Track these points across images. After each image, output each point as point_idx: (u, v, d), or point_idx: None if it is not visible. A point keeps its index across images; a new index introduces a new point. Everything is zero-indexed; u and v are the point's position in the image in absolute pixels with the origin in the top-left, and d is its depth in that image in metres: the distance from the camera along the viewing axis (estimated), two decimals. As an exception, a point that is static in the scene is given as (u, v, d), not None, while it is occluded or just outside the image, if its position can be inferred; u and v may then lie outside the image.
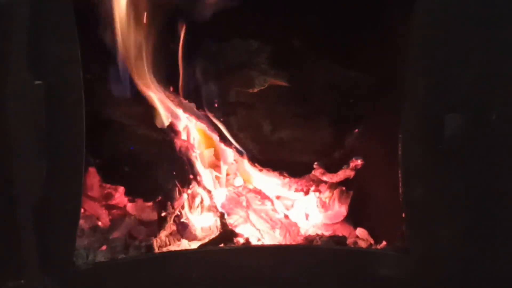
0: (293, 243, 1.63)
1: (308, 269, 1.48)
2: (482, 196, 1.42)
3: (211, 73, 1.68)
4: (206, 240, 1.57)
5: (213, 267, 1.46)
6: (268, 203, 1.73)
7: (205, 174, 1.69)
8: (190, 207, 1.65)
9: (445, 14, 1.35)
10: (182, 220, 1.64)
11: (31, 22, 1.26)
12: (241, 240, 1.57)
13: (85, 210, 1.66)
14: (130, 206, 1.70)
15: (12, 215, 1.32)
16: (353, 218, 1.72)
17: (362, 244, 1.60)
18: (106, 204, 1.71)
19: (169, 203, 1.63)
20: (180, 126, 1.69)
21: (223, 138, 1.68)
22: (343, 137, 1.73)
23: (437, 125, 1.36)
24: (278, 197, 1.75)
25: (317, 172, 1.72)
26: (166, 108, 1.67)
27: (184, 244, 1.57)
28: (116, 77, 1.61)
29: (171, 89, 1.66)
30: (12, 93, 1.27)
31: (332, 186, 1.73)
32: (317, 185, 1.74)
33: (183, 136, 1.70)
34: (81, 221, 1.56)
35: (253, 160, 1.70)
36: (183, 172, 1.66)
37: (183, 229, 1.63)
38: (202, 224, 1.63)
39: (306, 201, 1.74)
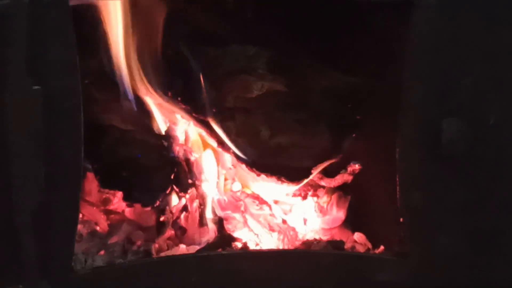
0: (291, 248, 1.63)
1: (306, 274, 1.48)
2: (481, 200, 1.42)
3: (209, 78, 1.68)
4: (205, 245, 1.57)
5: (212, 272, 1.46)
6: (266, 208, 1.73)
7: (203, 179, 1.69)
8: (188, 212, 1.65)
9: (442, 19, 1.36)
10: (180, 224, 1.64)
11: (29, 27, 1.26)
12: (239, 245, 1.57)
13: (83, 215, 1.66)
14: (128, 211, 1.70)
15: (11, 220, 1.32)
16: (351, 223, 1.73)
17: (360, 248, 1.60)
18: (104, 209, 1.71)
19: (167, 208, 1.63)
20: (178, 131, 1.69)
21: (221, 143, 1.68)
22: (341, 142, 1.73)
23: (435, 130, 1.36)
24: (276, 202, 1.75)
25: (315, 177, 1.72)
26: (164, 113, 1.68)
27: (183, 249, 1.57)
28: (114, 83, 1.60)
29: (169, 94, 1.66)
30: (10, 98, 1.27)
31: (330, 191, 1.73)
32: (315, 190, 1.74)
33: (181, 141, 1.70)
34: (80, 226, 1.56)
35: (251, 165, 1.70)
36: (181, 177, 1.66)
37: (181, 234, 1.64)
38: (201, 228, 1.63)
39: (304, 206, 1.74)
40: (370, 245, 1.61)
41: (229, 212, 1.69)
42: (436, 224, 1.43)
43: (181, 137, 1.70)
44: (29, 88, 1.27)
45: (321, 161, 1.73)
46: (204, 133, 1.68)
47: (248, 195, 1.74)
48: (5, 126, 1.28)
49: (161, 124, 1.69)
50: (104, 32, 1.54)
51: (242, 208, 1.70)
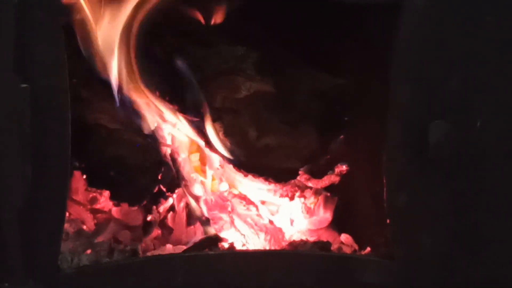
0: (278, 248, 1.63)
1: (292, 274, 1.48)
2: (467, 203, 1.43)
3: (197, 78, 1.68)
4: (191, 244, 1.57)
5: (198, 272, 1.46)
6: (253, 208, 1.73)
7: (190, 179, 1.69)
8: (175, 212, 1.65)
9: (429, 22, 1.36)
10: (167, 224, 1.64)
11: (18, 25, 1.26)
12: (225, 245, 1.57)
13: (70, 214, 1.65)
14: (115, 210, 1.69)
15: (-3, 218, 1.32)
16: (337, 224, 1.73)
17: (347, 250, 1.61)
18: (91, 208, 1.71)
19: (154, 207, 1.63)
20: (166, 131, 1.69)
21: (208, 143, 1.68)
22: (328, 143, 1.74)
23: (422, 132, 1.37)
24: (263, 203, 1.75)
25: (302, 177, 1.72)
26: (152, 112, 1.67)
27: (169, 249, 1.57)
28: (102, 81, 1.60)
29: (157, 93, 1.66)
30: (-2, 96, 1.27)
31: (317, 192, 1.73)
32: (302, 191, 1.74)
33: (169, 141, 1.70)
34: (66, 225, 1.56)
35: (239, 165, 1.70)
36: (168, 176, 1.66)
37: (168, 234, 1.63)
38: (187, 228, 1.63)
39: (291, 206, 1.74)
40: (356, 247, 1.62)
41: (216, 212, 1.69)
42: (422, 225, 1.44)
43: (168, 137, 1.70)
44: (17, 86, 1.27)
45: (309, 162, 1.73)
46: (191, 133, 1.68)
47: (235, 196, 1.74)
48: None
49: (149, 123, 1.68)
50: (92, 30, 1.53)
51: (229, 209, 1.69)
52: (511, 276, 1.47)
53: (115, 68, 1.57)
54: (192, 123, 1.67)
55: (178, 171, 1.67)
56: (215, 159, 1.73)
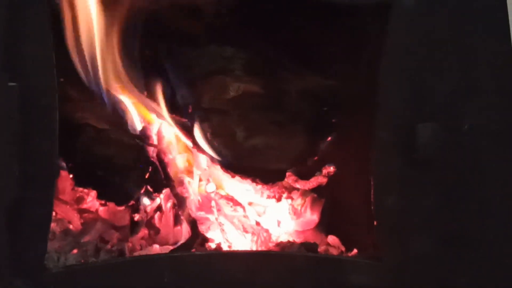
0: (265, 249, 1.63)
1: (279, 275, 1.48)
2: (455, 204, 1.43)
3: (185, 78, 1.68)
4: (178, 245, 1.57)
5: (185, 272, 1.46)
6: (240, 209, 1.73)
7: (177, 179, 1.69)
8: (163, 212, 1.65)
9: (419, 23, 1.37)
10: (154, 224, 1.64)
11: (6, 23, 1.26)
12: (212, 246, 1.57)
13: (56, 213, 1.65)
14: (102, 210, 1.69)
15: (-17, 217, 1.31)
16: (325, 226, 1.73)
17: (334, 251, 1.61)
18: (77, 207, 1.71)
19: (141, 207, 1.63)
20: (153, 131, 1.69)
21: (196, 144, 1.68)
22: (316, 145, 1.74)
23: (410, 134, 1.37)
24: (250, 204, 1.75)
25: (289, 179, 1.72)
26: (140, 112, 1.67)
27: (156, 249, 1.57)
28: (90, 81, 1.60)
29: (145, 94, 1.66)
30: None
31: (305, 193, 1.73)
32: (290, 192, 1.74)
33: (156, 141, 1.69)
34: (53, 224, 1.56)
35: (226, 166, 1.70)
36: (156, 176, 1.66)
37: (155, 234, 1.63)
38: (174, 229, 1.63)
39: (278, 208, 1.74)
40: (343, 248, 1.62)
41: (203, 213, 1.69)
42: (409, 227, 1.44)
43: (156, 137, 1.70)
44: (5, 84, 1.26)
45: (296, 163, 1.73)
46: (179, 133, 1.68)
47: (222, 196, 1.74)
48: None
49: (136, 123, 1.68)
50: (80, 30, 1.53)
51: (216, 209, 1.69)
52: (498, 278, 1.48)
53: (101, 68, 1.57)
54: (179, 124, 1.67)
55: (165, 171, 1.67)
56: (203, 159, 1.73)
